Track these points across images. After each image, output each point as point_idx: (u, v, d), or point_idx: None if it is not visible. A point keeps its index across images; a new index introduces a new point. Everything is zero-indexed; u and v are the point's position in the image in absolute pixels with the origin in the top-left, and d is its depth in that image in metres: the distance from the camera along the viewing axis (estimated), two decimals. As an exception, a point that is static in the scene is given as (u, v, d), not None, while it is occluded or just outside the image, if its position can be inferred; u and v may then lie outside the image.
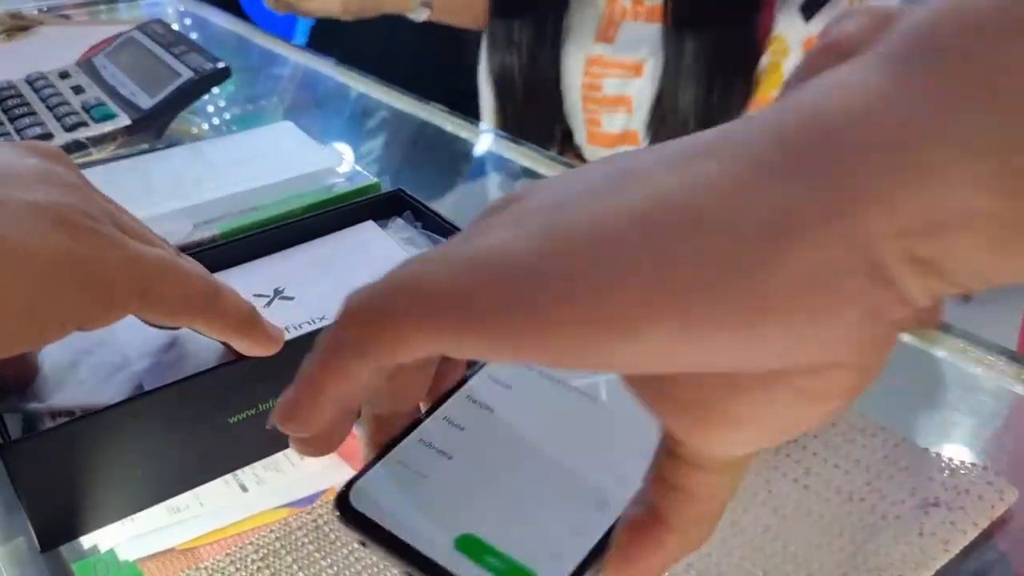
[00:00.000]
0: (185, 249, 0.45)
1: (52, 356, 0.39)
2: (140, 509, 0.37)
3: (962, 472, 0.36)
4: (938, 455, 0.37)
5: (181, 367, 0.37)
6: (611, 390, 0.33)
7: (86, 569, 0.40)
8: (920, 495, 0.35)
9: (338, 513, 0.32)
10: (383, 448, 0.33)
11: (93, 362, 0.39)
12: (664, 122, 0.94)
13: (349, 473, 0.49)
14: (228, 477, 0.51)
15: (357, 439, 0.47)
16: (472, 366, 0.35)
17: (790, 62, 0.90)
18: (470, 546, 0.29)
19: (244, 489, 0.50)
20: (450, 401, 0.34)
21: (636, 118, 0.97)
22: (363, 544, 0.31)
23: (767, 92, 0.91)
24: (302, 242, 0.47)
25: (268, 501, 0.50)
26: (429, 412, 0.34)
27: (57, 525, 0.36)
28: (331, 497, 0.37)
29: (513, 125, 1.00)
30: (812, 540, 0.34)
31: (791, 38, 0.90)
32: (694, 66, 0.91)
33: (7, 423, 0.36)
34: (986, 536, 0.34)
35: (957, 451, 0.40)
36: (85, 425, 0.35)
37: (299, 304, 0.42)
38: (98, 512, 0.36)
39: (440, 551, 0.29)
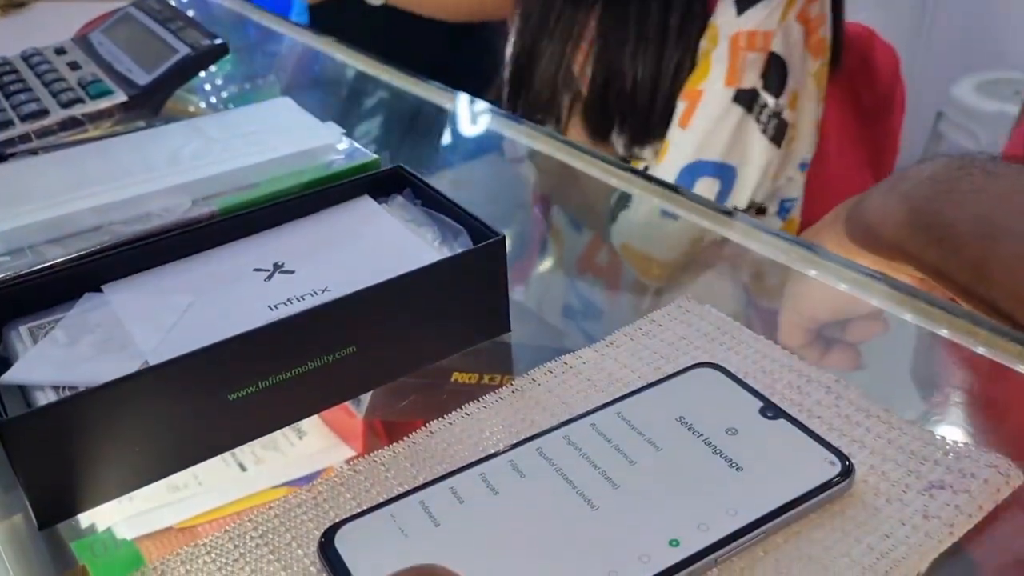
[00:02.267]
0: (183, 226, 0.45)
1: (53, 335, 0.39)
2: (139, 486, 0.37)
3: (967, 455, 0.36)
4: (943, 438, 0.37)
5: (186, 345, 0.36)
6: (618, 503, 0.34)
7: (84, 548, 0.40)
8: (925, 478, 0.35)
9: (321, 541, 0.33)
10: (393, 496, 0.35)
11: (95, 340, 0.39)
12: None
13: (347, 453, 0.49)
14: (227, 456, 0.51)
15: (358, 423, 0.47)
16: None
17: (718, 54, 0.87)
18: None
19: (243, 468, 0.50)
20: (462, 474, 0.35)
21: None
22: None
23: (695, 81, 0.89)
24: (300, 218, 0.46)
25: (267, 480, 0.50)
26: (445, 476, 0.35)
27: (54, 502, 0.35)
28: (331, 475, 0.37)
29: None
30: (813, 520, 0.33)
31: (723, 30, 0.87)
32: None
33: (5, 399, 0.36)
34: (990, 519, 0.34)
35: (962, 434, 0.40)
36: (83, 401, 0.34)
37: (300, 277, 0.42)
38: (96, 489, 0.36)
39: None
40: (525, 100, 0.99)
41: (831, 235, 0.58)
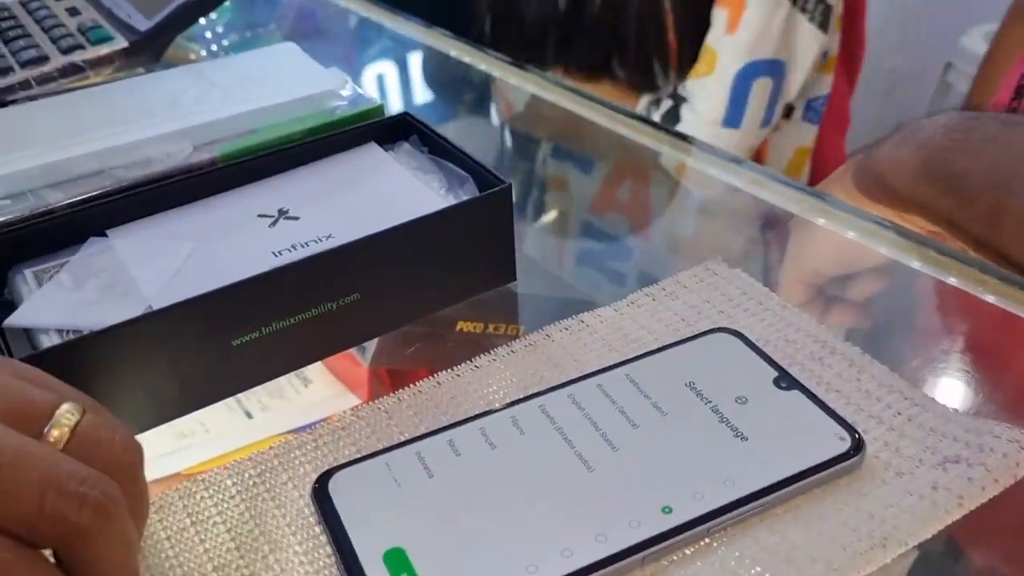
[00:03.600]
0: (186, 171, 0.44)
1: (58, 278, 0.38)
2: (143, 430, 0.37)
3: (989, 431, 0.34)
4: (961, 412, 0.35)
5: (190, 290, 0.36)
6: (614, 466, 0.33)
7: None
8: (941, 453, 0.34)
9: (314, 487, 0.33)
10: (391, 445, 0.35)
11: (99, 284, 0.38)
12: None
13: (353, 401, 0.49)
14: (233, 404, 0.51)
15: (364, 371, 0.47)
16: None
17: None
18: (394, 559, 0.30)
19: (249, 416, 0.50)
20: (462, 427, 0.35)
21: None
22: (320, 524, 0.32)
23: None
24: (304, 164, 0.46)
25: (272, 427, 0.50)
26: (445, 428, 0.35)
27: (61, 445, 0.36)
28: (334, 420, 0.37)
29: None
30: (815, 494, 0.33)
31: None
32: None
33: (10, 342, 0.36)
34: (1008, 494, 0.32)
35: (981, 401, 0.39)
36: (87, 344, 0.34)
37: (304, 223, 0.41)
38: (102, 432, 0.36)
39: (369, 557, 0.30)
40: (509, 39, 0.98)
41: (839, 189, 0.58)
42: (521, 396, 0.37)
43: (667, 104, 0.99)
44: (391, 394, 0.38)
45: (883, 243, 0.48)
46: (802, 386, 0.36)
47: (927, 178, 0.49)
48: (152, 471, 0.44)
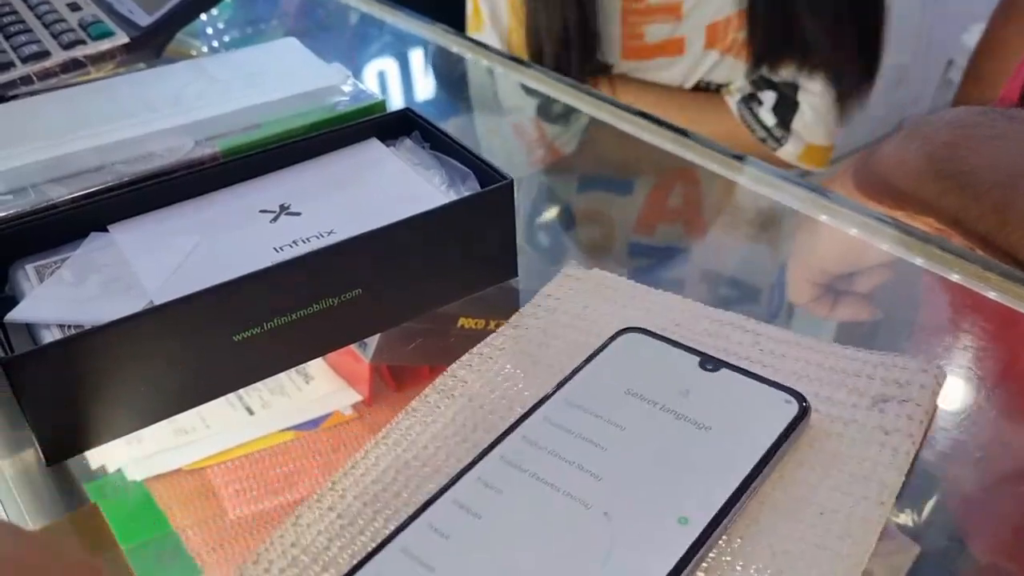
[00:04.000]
0: (187, 167, 0.44)
1: (59, 273, 0.38)
2: (145, 425, 0.37)
3: (896, 365, 0.36)
4: (870, 353, 0.37)
5: (191, 285, 0.36)
6: (609, 495, 0.32)
7: (95, 490, 0.40)
8: (868, 395, 0.35)
9: None
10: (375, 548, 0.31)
11: (101, 279, 0.38)
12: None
13: (354, 397, 0.49)
14: (234, 400, 0.51)
15: (365, 367, 0.47)
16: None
17: None
18: None
19: (250, 412, 0.50)
20: (436, 506, 0.32)
21: (686, 24, 0.96)
22: None
23: None
24: (306, 160, 0.46)
25: (273, 424, 0.50)
26: (419, 512, 0.32)
27: (62, 439, 0.36)
28: (338, 422, 0.37)
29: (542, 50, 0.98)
30: (789, 462, 0.33)
31: None
32: None
33: (12, 337, 0.36)
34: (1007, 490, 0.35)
35: (883, 345, 0.40)
36: (89, 339, 0.34)
37: (306, 219, 0.41)
38: (103, 427, 0.36)
39: None
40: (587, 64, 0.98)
41: (840, 191, 0.58)
42: (472, 451, 0.34)
43: (770, 96, 0.98)
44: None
45: (886, 240, 0.48)
46: (726, 363, 0.36)
47: (932, 176, 0.49)
48: (154, 467, 0.44)
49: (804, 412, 0.34)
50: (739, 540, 0.31)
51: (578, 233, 0.58)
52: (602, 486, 0.32)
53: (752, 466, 0.32)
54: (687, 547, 0.30)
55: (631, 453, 0.33)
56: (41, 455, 0.36)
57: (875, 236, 0.48)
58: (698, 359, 0.37)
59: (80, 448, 0.36)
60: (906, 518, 0.35)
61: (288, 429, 0.48)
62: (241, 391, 0.45)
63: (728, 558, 0.31)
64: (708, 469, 0.32)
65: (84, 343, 0.34)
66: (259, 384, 0.45)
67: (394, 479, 0.34)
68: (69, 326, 0.36)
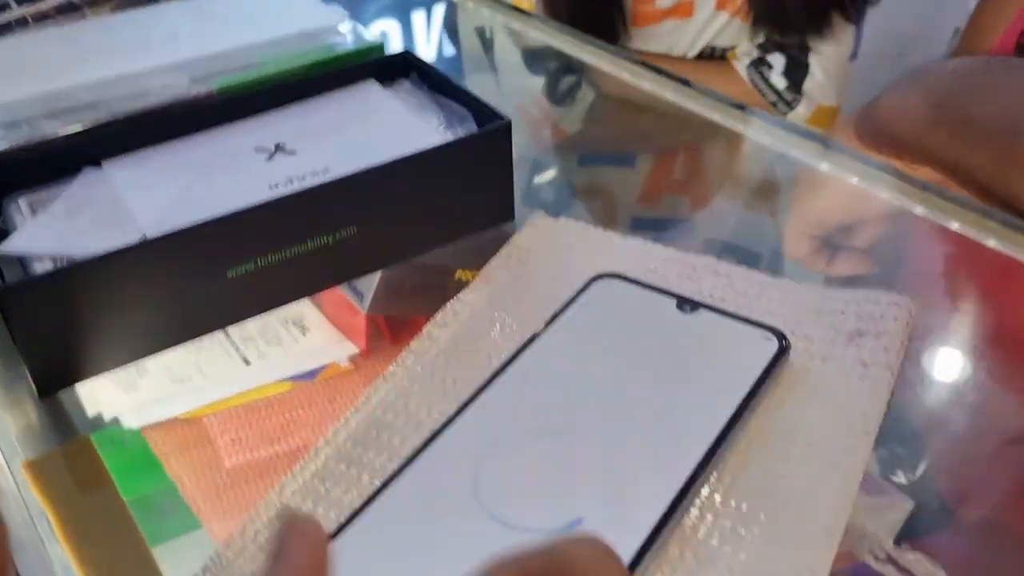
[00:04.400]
0: (181, 104, 0.44)
1: (52, 207, 0.38)
2: (137, 359, 0.37)
3: (868, 300, 0.37)
4: (843, 290, 0.38)
5: (185, 221, 0.36)
6: (606, 437, 0.32)
7: (100, 440, 0.40)
8: (844, 331, 0.36)
9: None
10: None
11: (94, 214, 0.38)
12: None
13: (350, 349, 0.49)
14: (231, 350, 0.51)
15: (362, 319, 0.46)
16: None
17: None
18: None
19: (247, 362, 0.50)
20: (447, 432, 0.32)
21: None
22: None
23: None
24: (303, 100, 0.45)
25: (270, 374, 0.50)
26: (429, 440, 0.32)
27: (54, 371, 0.36)
28: (335, 373, 0.36)
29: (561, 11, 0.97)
30: (773, 399, 0.33)
31: None
32: None
33: (4, 269, 0.35)
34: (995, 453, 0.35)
35: (851, 281, 0.41)
36: (81, 271, 0.34)
37: (301, 158, 0.41)
38: (95, 360, 0.36)
39: None
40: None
41: (841, 141, 0.57)
42: (453, 405, 0.34)
43: (780, 60, 0.98)
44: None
45: (886, 189, 0.47)
46: (703, 304, 0.36)
47: (935, 123, 0.49)
48: (150, 415, 0.44)
49: (784, 348, 0.34)
50: (730, 477, 0.31)
51: (578, 182, 0.58)
52: (588, 430, 0.32)
53: (738, 403, 0.32)
54: (681, 485, 0.29)
55: (615, 398, 0.33)
56: (33, 388, 0.35)
57: (876, 185, 0.47)
58: (675, 301, 0.37)
59: (72, 380, 0.36)
60: (901, 475, 0.36)
61: (285, 380, 0.48)
62: (238, 342, 0.45)
63: (719, 496, 0.31)
64: (695, 408, 0.32)
65: (76, 274, 0.34)
66: (256, 335, 0.45)
67: (376, 438, 0.34)
68: (61, 258, 0.36)
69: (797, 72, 0.98)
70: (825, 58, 0.98)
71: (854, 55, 1.00)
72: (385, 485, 0.31)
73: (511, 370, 0.34)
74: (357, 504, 0.31)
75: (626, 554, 0.27)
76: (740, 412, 0.32)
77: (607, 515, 0.29)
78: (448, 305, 0.39)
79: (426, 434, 0.33)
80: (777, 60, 0.98)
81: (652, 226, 0.53)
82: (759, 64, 0.98)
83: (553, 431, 0.32)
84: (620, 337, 0.35)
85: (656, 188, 0.57)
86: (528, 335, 0.36)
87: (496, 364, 0.35)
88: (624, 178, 0.58)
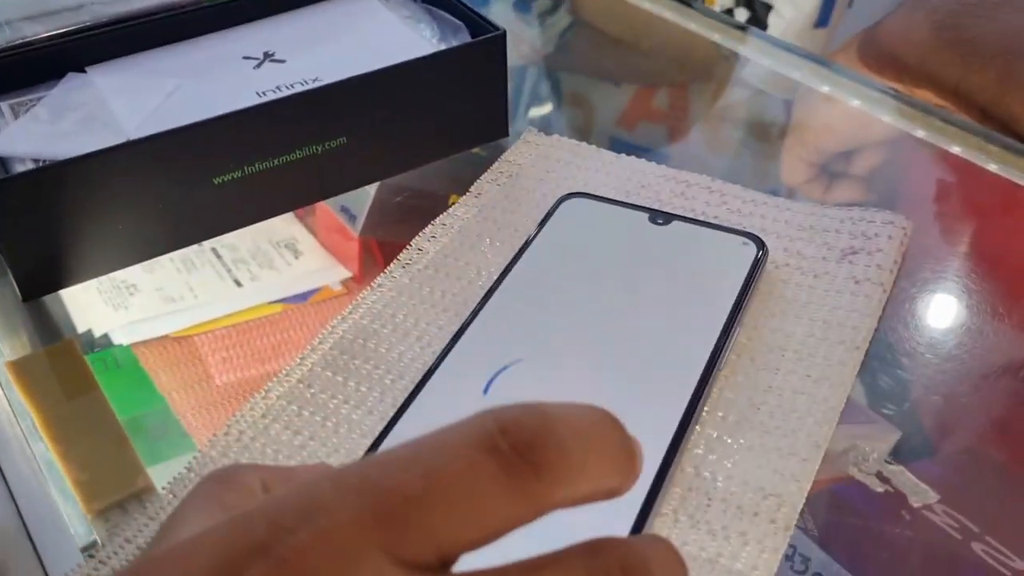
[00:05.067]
0: (168, 10, 0.43)
1: (34, 111, 0.37)
2: (122, 266, 0.37)
3: (864, 218, 0.37)
4: (837, 208, 0.38)
5: (170, 125, 0.35)
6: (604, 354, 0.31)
7: (95, 362, 0.40)
8: (837, 248, 0.36)
9: None
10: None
11: (78, 117, 0.37)
12: None
13: (343, 273, 0.48)
14: (223, 272, 0.51)
15: (355, 244, 0.46)
16: None
17: None
18: None
19: (238, 284, 0.50)
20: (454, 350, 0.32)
21: None
22: None
23: None
24: (292, 9, 0.44)
25: (261, 296, 0.50)
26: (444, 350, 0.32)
27: (38, 275, 0.35)
28: (327, 297, 0.36)
29: None
30: (759, 310, 0.34)
31: None
32: None
33: (-17, 169, 0.35)
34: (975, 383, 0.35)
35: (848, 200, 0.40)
36: (63, 170, 0.33)
37: (290, 67, 0.40)
38: (79, 265, 0.36)
39: None
40: None
41: (843, 64, 0.56)
42: (441, 315, 0.34)
43: (743, 14, 0.95)
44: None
45: (886, 113, 0.46)
46: (677, 216, 0.36)
47: (937, 44, 0.48)
48: (140, 333, 0.44)
49: (763, 251, 0.34)
50: (717, 389, 0.31)
51: (578, 106, 0.57)
52: (583, 357, 0.31)
53: (728, 312, 0.32)
54: (685, 405, 0.29)
55: (606, 319, 0.32)
56: (17, 291, 0.35)
57: (877, 108, 0.47)
58: (647, 215, 0.36)
59: (56, 285, 0.36)
60: (891, 406, 0.35)
61: (276, 302, 0.48)
62: (230, 264, 0.45)
63: (707, 406, 0.30)
64: (686, 324, 0.32)
65: (58, 173, 0.33)
66: (248, 258, 0.44)
67: (363, 346, 0.34)
68: (44, 160, 0.35)
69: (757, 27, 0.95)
70: (784, 22, 0.95)
71: (823, 22, 0.95)
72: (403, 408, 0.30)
73: (492, 301, 0.34)
74: (344, 411, 0.31)
75: (644, 482, 0.27)
76: (730, 324, 0.32)
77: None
78: (438, 219, 0.39)
79: (413, 344, 0.33)
80: (741, 13, 0.96)
81: (644, 148, 0.53)
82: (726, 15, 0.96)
83: (546, 358, 0.31)
84: (599, 256, 0.35)
85: (645, 109, 0.56)
86: (514, 248, 0.36)
87: (484, 277, 0.35)
88: (610, 96, 0.57)
